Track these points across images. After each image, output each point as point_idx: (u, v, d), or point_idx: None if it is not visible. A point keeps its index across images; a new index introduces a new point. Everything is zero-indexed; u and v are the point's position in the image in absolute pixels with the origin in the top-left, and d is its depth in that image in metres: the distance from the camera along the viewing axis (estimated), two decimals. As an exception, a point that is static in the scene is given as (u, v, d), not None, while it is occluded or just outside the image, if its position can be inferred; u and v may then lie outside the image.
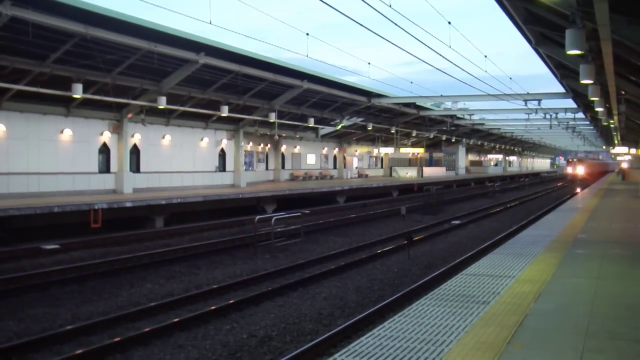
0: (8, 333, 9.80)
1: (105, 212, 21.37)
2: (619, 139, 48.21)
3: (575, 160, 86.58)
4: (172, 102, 27.07)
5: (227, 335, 9.74)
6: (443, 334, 6.03)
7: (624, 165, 68.52)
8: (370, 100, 36.35)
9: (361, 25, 12.59)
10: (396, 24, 12.88)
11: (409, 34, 13.51)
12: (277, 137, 38.91)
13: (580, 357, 5.41)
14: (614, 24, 10.54)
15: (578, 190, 47.20)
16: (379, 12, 11.72)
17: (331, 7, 11.10)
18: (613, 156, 75.53)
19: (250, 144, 39.18)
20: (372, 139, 53.47)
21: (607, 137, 60.44)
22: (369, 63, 26.24)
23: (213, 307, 11.08)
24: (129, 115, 27.66)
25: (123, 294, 12.71)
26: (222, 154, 35.51)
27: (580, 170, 79.14)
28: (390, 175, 59.87)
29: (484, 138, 70.08)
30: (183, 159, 32.00)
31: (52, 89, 21.88)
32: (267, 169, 42.70)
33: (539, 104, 35.04)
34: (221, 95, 29.49)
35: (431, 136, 54.74)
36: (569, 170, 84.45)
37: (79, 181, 25.91)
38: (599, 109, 23.71)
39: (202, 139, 33.58)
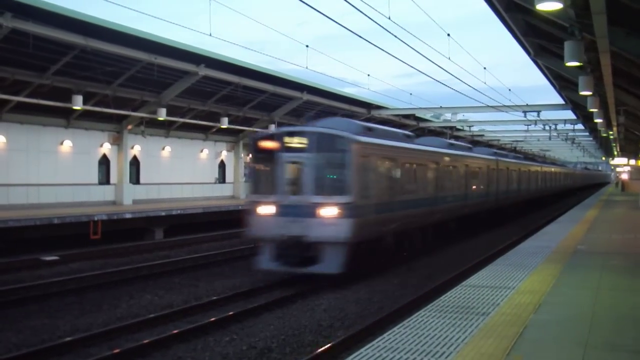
0: (7, 344, 9.76)
1: (105, 223, 21.35)
2: (618, 150, 48.25)
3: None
4: (172, 114, 27.13)
5: (227, 347, 9.70)
6: (443, 346, 6.01)
7: (624, 177, 68.51)
8: (370, 112, 36.44)
9: (360, 37, 12.66)
10: (395, 36, 12.96)
11: (409, 45, 13.60)
12: (277, 148, 38.86)
13: (581, 368, 5.40)
14: (612, 36, 10.58)
15: None
16: (378, 24, 11.80)
17: (331, 19, 11.16)
18: (613, 167, 73.03)
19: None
20: (372, 151, 53.44)
21: (606, 148, 60.48)
22: (368, 75, 26.39)
23: (212, 319, 11.04)
24: (129, 127, 27.70)
25: (122, 305, 12.67)
26: (222, 166, 35.54)
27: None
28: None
29: (484, 149, 70.08)
30: (183, 171, 32.01)
31: (52, 100, 21.94)
32: (266, 180, 42.63)
33: (538, 115, 35.13)
34: (221, 107, 29.55)
35: (431, 147, 54.70)
36: None
37: (78, 192, 25.90)
38: (598, 120, 23.72)
39: (201, 151, 33.61)
